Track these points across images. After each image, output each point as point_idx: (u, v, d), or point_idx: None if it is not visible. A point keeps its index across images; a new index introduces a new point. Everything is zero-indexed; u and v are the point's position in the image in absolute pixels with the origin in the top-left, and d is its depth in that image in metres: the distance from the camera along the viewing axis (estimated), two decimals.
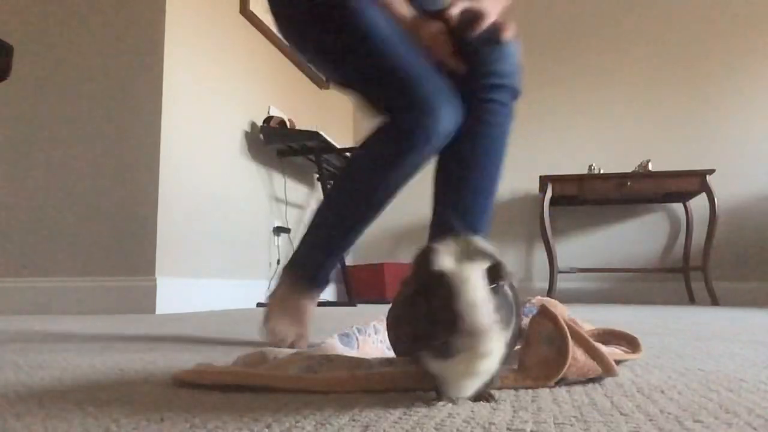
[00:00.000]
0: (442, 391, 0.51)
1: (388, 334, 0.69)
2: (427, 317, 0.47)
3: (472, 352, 0.45)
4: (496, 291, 0.48)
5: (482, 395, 0.52)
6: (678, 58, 4.33)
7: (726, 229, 4.01)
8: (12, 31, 2.67)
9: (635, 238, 4.26)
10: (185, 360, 0.85)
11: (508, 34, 1.01)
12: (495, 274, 0.48)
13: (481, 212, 1.08)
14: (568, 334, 0.59)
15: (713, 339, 1.18)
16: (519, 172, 4.39)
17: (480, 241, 0.51)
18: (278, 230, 3.50)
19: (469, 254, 0.49)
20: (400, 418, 0.45)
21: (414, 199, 4.70)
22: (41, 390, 0.60)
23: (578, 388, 0.59)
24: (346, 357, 0.67)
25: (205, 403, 0.52)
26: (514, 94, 1.10)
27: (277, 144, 3.36)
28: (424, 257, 0.49)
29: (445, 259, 0.48)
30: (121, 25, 2.59)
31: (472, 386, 0.50)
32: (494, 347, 0.46)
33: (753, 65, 4.24)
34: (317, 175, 3.54)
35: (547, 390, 0.58)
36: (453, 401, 0.51)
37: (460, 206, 1.08)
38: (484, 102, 1.07)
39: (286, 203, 3.64)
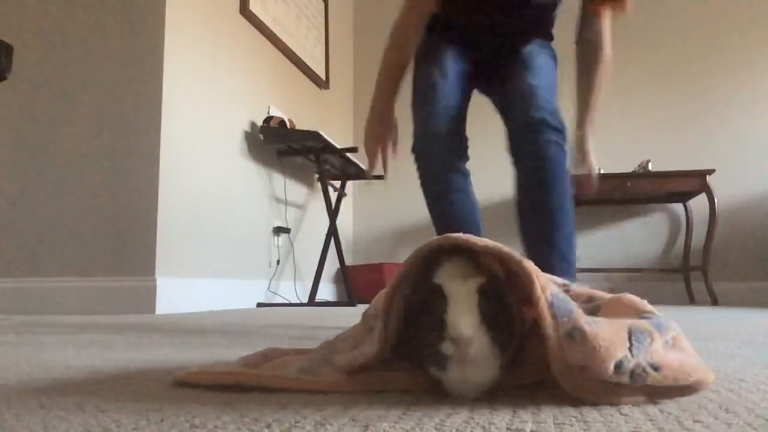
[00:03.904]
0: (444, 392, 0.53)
1: None
2: (425, 326, 0.52)
3: (459, 358, 0.49)
4: (491, 304, 0.51)
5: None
6: (678, 59, 4.33)
7: (726, 229, 4.01)
8: (12, 31, 2.67)
9: (635, 238, 4.26)
10: (185, 360, 0.85)
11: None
12: (492, 289, 0.52)
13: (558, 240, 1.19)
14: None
15: (713, 339, 1.18)
16: None
17: (488, 256, 0.55)
18: (278, 230, 3.50)
19: (469, 270, 0.54)
20: (400, 418, 0.45)
21: (413, 200, 4.70)
22: (41, 390, 0.60)
23: None
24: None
25: (205, 403, 0.52)
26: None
27: (277, 144, 3.36)
28: (428, 270, 0.55)
29: (445, 273, 0.54)
30: (121, 25, 2.59)
31: (474, 393, 0.52)
32: (480, 354, 0.49)
33: (753, 65, 4.24)
34: (317, 175, 3.54)
35: (547, 390, 0.58)
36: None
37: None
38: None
39: (286, 203, 3.64)
